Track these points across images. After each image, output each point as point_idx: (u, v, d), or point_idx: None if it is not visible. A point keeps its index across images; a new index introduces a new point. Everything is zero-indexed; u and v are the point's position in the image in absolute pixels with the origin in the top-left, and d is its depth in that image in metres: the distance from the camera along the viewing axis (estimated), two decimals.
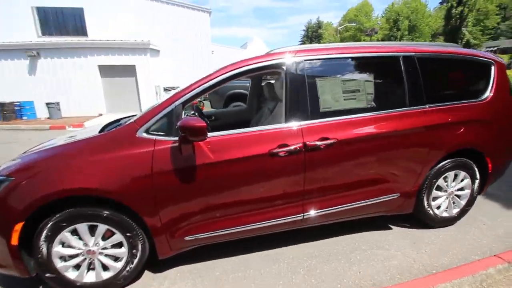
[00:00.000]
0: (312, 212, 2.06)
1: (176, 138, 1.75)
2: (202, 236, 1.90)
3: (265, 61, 1.96)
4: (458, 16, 27.45)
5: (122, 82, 12.49)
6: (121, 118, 2.61)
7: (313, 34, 47.89)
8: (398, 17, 38.80)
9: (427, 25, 39.38)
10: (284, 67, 1.97)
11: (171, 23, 15.46)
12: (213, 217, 1.89)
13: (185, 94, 1.84)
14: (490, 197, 2.95)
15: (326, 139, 1.93)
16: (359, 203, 2.16)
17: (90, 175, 1.64)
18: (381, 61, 2.20)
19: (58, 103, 11.66)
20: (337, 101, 2.11)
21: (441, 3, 44.14)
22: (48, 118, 11.68)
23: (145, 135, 1.76)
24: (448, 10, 29.21)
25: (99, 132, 2.03)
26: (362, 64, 2.20)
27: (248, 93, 3.64)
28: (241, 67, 1.93)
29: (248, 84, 8.01)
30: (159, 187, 1.72)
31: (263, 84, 3.45)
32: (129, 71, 12.31)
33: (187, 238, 1.88)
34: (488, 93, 2.43)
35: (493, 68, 2.49)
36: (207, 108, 9.73)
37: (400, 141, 2.13)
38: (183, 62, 15.69)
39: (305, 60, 2.00)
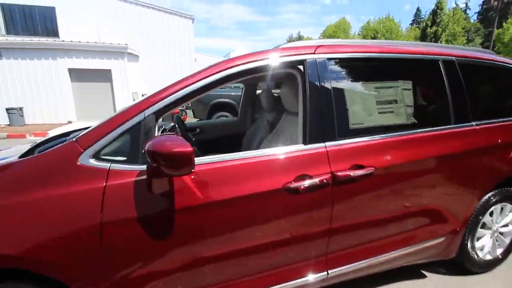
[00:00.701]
0: (340, 267, 1.48)
1: (144, 167, 1.12)
2: None
3: (274, 57, 1.39)
4: (432, 35, 28.93)
5: (95, 87, 11.43)
6: (73, 131, 1.93)
7: None
8: (376, 34, 40.41)
9: None
10: (301, 67, 1.41)
11: (152, 29, 14.83)
12: (202, 286, 1.26)
13: (160, 100, 1.21)
14: None
15: (361, 167, 1.39)
16: (397, 252, 1.61)
17: None
18: (422, 65, 1.72)
19: (21, 109, 10.44)
20: (370, 115, 1.57)
21: (411, 24, 46.88)
22: (9, 125, 10.41)
23: (93, 162, 1.10)
24: (423, 30, 30.80)
25: (24, 154, 1.30)
26: (399, 67, 1.69)
27: (241, 102, 3.06)
28: (241, 64, 1.31)
29: (233, 94, 7.56)
30: (113, 247, 1.07)
31: (259, 90, 2.91)
32: (104, 75, 11.30)
33: None
34: None
35: None
36: (189, 118, 9.01)
37: (448, 169, 1.63)
38: (165, 69, 14.96)
39: (327, 59, 1.46)
